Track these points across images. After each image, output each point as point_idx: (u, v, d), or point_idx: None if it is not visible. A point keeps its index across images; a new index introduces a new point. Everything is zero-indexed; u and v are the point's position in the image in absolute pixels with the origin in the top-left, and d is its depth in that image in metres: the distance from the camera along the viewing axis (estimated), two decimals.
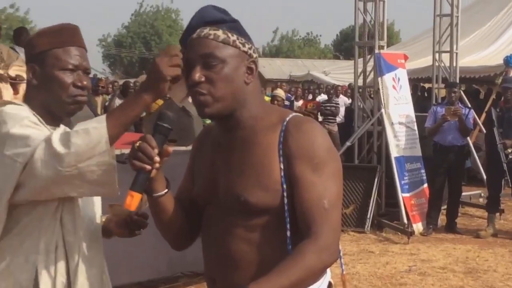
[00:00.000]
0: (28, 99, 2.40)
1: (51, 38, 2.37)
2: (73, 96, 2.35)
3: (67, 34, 2.39)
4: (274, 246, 2.09)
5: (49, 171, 2.11)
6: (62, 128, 2.24)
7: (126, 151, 5.42)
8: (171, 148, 2.10)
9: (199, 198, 2.26)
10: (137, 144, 2.03)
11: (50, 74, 2.34)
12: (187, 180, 2.33)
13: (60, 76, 2.34)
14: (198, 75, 2.07)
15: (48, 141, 2.11)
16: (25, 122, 2.23)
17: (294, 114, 2.16)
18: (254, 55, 2.16)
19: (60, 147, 2.09)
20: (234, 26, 2.14)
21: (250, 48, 2.14)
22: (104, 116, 2.15)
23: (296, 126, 2.10)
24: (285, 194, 2.07)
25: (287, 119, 2.12)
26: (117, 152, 5.32)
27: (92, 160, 2.10)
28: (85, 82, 2.38)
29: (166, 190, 2.18)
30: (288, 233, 2.08)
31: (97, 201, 2.56)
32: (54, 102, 2.36)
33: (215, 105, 2.08)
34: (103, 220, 2.58)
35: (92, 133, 2.10)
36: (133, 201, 2.04)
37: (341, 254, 2.19)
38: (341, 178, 2.14)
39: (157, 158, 2.03)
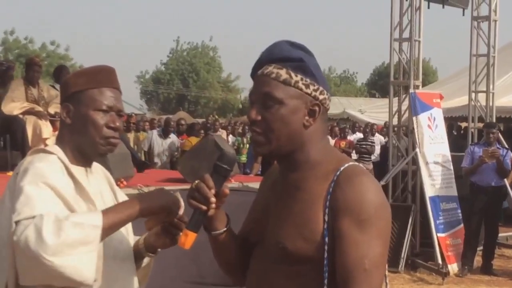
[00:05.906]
0: (60, 139, 2.39)
1: (88, 78, 2.36)
2: (106, 138, 2.34)
3: (103, 75, 2.38)
4: None
5: (28, 255, 1.99)
6: (53, 215, 2.05)
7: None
8: (228, 190, 2.07)
9: (250, 236, 2.22)
10: (195, 183, 2.02)
11: (84, 114, 2.33)
12: (250, 215, 2.28)
13: (94, 117, 2.32)
14: (254, 113, 2.04)
15: (39, 223, 2.00)
16: (41, 185, 2.14)
17: (350, 163, 2.05)
18: (320, 97, 2.08)
19: (49, 235, 1.98)
20: (300, 66, 2.05)
21: (316, 90, 2.07)
22: (101, 219, 2.09)
23: (347, 178, 2.00)
24: (326, 247, 1.98)
25: (341, 169, 2.02)
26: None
27: (74, 257, 2.01)
28: (118, 124, 2.36)
29: (225, 228, 2.15)
30: None
31: (128, 227, 2.46)
32: (86, 143, 2.34)
33: (267, 146, 2.05)
34: (142, 238, 2.48)
35: (86, 233, 2.03)
36: (188, 239, 2.03)
37: None
38: (388, 237, 2.03)
39: (213, 199, 2.01)
